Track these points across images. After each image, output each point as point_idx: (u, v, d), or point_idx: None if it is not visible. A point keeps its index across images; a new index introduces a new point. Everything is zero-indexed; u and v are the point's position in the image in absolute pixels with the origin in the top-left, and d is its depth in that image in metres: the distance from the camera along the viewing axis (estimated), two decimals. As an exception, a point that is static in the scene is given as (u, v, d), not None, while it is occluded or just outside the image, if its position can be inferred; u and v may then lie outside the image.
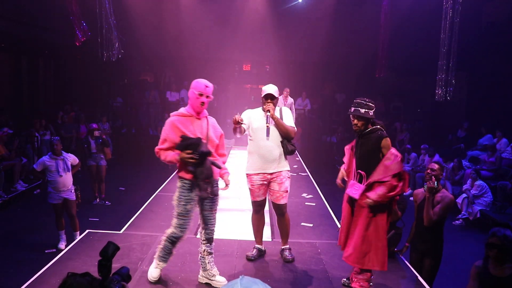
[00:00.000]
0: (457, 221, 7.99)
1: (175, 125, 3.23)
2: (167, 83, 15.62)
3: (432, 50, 9.50)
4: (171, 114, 3.38)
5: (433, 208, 3.96)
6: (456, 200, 8.18)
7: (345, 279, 3.60)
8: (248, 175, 3.97)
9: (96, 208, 7.80)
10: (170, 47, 13.39)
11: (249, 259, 4.03)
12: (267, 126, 3.75)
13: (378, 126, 3.28)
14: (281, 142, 3.83)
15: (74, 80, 13.87)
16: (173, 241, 3.35)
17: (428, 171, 4.06)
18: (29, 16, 10.51)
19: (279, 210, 3.97)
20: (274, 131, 3.81)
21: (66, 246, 5.05)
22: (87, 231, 4.67)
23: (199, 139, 3.13)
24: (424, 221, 3.99)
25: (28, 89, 12.90)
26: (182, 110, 3.35)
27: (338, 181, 3.66)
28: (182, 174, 3.26)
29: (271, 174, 3.86)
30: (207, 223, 3.43)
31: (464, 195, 8.04)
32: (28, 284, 3.41)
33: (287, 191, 3.93)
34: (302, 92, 13.23)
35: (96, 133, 7.84)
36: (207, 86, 3.26)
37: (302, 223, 5.12)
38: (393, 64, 12.55)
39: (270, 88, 3.87)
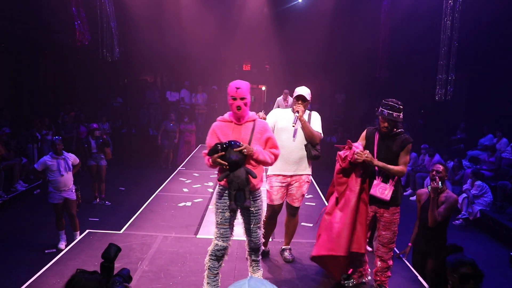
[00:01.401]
0: (457, 221, 7.99)
1: (214, 131, 3.09)
2: (167, 83, 15.62)
3: (432, 50, 9.50)
4: (217, 119, 3.19)
5: (437, 209, 3.96)
6: (456, 200, 8.19)
7: (344, 280, 3.59)
8: (268, 176, 3.88)
9: (96, 208, 7.80)
10: (170, 47, 13.39)
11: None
12: (293, 126, 3.68)
13: (402, 130, 3.37)
14: (305, 145, 3.78)
15: (74, 80, 13.85)
16: (218, 256, 3.06)
17: (434, 173, 4.04)
18: (29, 16, 10.50)
19: (292, 211, 3.95)
20: (299, 133, 3.75)
21: (66, 246, 5.05)
22: (87, 231, 4.68)
23: (228, 142, 2.87)
24: (428, 221, 3.98)
25: (28, 89, 12.89)
26: (226, 115, 3.17)
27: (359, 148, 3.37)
28: (220, 180, 3.03)
29: (290, 176, 3.79)
30: (248, 235, 3.17)
31: (464, 195, 8.05)
32: (28, 284, 3.41)
33: (303, 195, 3.91)
34: (302, 92, 13.21)
35: (97, 133, 7.84)
36: (238, 88, 2.99)
37: (302, 223, 5.11)
38: (393, 64, 12.55)
39: (303, 90, 3.80)
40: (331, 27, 12.51)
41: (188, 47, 13.26)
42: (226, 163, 2.84)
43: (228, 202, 2.99)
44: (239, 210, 3.09)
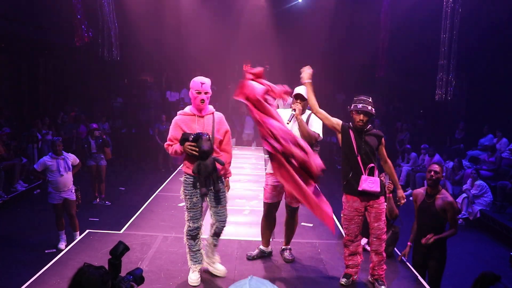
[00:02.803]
0: (457, 221, 7.99)
1: (177, 124, 3.37)
2: (167, 83, 15.62)
3: (432, 50, 9.50)
4: (178, 113, 3.48)
5: (435, 210, 3.93)
6: (456, 200, 8.19)
7: (343, 280, 3.59)
8: (266, 174, 4.02)
9: (96, 208, 7.80)
10: (170, 47, 13.38)
11: (247, 258, 4.03)
12: (287, 123, 3.67)
13: (370, 125, 3.59)
14: None
15: (74, 80, 13.85)
16: (192, 235, 3.43)
17: (432, 174, 3.98)
18: (29, 16, 10.49)
19: (291, 212, 3.98)
20: (295, 132, 3.72)
21: (66, 246, 5.05)
22: (87, 231, 4.67)
23: (198, 134, 3.22)
24: (426, 222, 3.99)
25: (28, 89, 12.89)
26: (186, 109, 3.46)
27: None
28: (185, 169, 3.39)
29: None
30: (216, 218, 3.48)
31: (464, 195, 8.05)
32: (28, 284, 3.41)
33: None
34: (302, 92, 13.20)
35: (97, 133, 7.83)
36: (203, 83, 3.35)
37: (302, 223, 5.11)
38: (393, 64, 12.54)
39: (302, 89, 3.84)
40: (331, 27, 12.51)
41: (188, 47, 13.26)
42: (197, 151, 3.18)
43: (194, 189, 3.33)
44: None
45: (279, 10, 13.53)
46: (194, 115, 3.40)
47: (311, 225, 5.16)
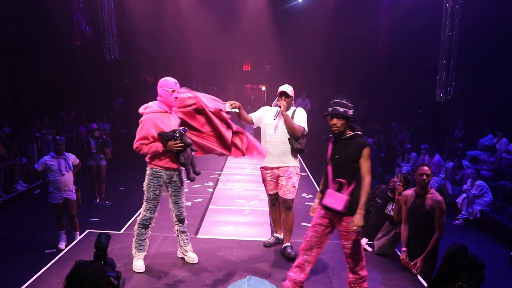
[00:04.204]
0: (457, 221, 7.99)
1: (154, 121, 3.50)
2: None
3: (432, 50, 9.50)
4: (145, 112, 3.58)
5: (426, 209, 3.91)
6: (456, 200, 8.18)
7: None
8: (260, 169, 4.23)
9: (96, 208, 7.79)
10: (170, 47, 13.39)
11: (265, 245, 4.32)
12: (274, 119, 3.93)
13: (358, 132, 3.12)
14: (288, 139, 4.00)
15: (74, 80, 13.85)
16: (146, 224, 3.70)
17: (424, 177, 3.91)
18: (29, 16, 10.50)
19: (286, 204, 4.07)
20: (281, 127, 3.99)
21: (66, 246, 5.05)
22: (87, 231, 4.68)
23: (179, 131, 3.46)
24: (413, 222, 3.97)
25: (28, 89, 12.89)
26: (154, 107, 3.59)
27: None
28: (155, 162, 3.62)
29: (277, 168, 4.04)
30: (177, 206, 3.80)
31: (464, 195, 8.04)
32: (28, 284, 3.41)
33: (294, 187, 4.04)
34: (302, 92, 13.23)
35: (97, 133, 7.83)
36: (176, 83, 3.58)
37: (302, 223, 5.11)
38: (393, 64, 12.54)
39: (285, 87, 4.07)
40: (331, 27, 12.51)
41: (188, 47, 13.27)
42: (182, 146, 3.46)
43: (160, 182, 3.63)
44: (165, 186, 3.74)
45: (279, 10, 13.53)
46: (166, 112, 3.59)
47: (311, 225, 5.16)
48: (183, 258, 3.93)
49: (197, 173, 3.66)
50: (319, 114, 14.08)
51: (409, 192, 4.11)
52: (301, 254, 3.28)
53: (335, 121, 3.07)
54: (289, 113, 4.03)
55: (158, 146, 3.50)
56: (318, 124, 13.66)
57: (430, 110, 13.45)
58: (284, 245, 4.17)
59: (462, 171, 8.97)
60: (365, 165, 3.06)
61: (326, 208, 3.15)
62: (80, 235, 4.95)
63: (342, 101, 3.11)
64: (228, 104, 3.85)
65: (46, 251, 5.81)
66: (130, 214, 5.66)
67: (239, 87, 16.57)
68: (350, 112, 3.08)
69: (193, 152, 3.67)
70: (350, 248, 3.14)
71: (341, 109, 3.04)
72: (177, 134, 3.47)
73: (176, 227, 3.87)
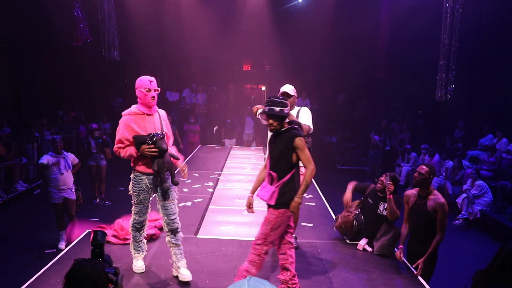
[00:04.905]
0: (457, 221, 7.99)
1: (128, 124, 3.39)
2: (167, 83, 15.62)
3: (432, 50, 9.49)
4: (123, 113, 3.48)
5: (427, 210, 3.91)
6: (456, 200, 8.19)
7: None
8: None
9: (96, 208, 7.80)
10: (170, 47, 13.38)
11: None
12: None
13: (295, 126, 3.20)
14: None
15: (74, 80, 13.85)
16: (137, 227, 3.61)
17: (416, 174, 3.96)
18: (30, 16, 10.50)
19: None
20: None
21: (66, 246, 5.05)
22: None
23: (154, 135, 3.27)
24: (414, 222, 3.97)
25: (28, 89, 12.89)
26: (133, 108, 3.47)
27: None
28: (136, 167, 3.47)
29: None
30: (166, 213, 3.49)
31: (464, 195, 8.04)
32: (28, 284, 3.41)
33: None
34: (302, 92, 13.22)
35: (96, 133, 7.84)
36: (151, 80, 3.40)
37: (302, 223, 5.12)
38: (393, 64, 12.54)
39: (286, 87, 4.03)
40: (331, 27, 12.50)
41: (188, 47, 13.26)
42: (156, 151, 3.26)
43: (142, 187, 3.44)
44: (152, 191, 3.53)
45: (279, 10, 13.51)
46: (143, 113, 3.41)
47: (311, 225, 5.16)
48: (177, 277, 3.56)
49: (175, 183, 3.48)
50: (319, 114, 14.10)
51: (412, 192, 4.14)
52: (278, 255, 3.36)
53: (271, 121, 3.14)
54: (294, 112, 3.98)
55: (132, 150, 3.35)
56: (319, 124, 13.67)
57: (430, 110, 13.45)
58: None
59: (462, 171, 8.97)
60: (302, 156, 3.12)
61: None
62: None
63: (278, 100, 3.13)
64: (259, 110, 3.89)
65: (46, 251, 5.82)
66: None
67: (239, 87, 16.56)
68: (286, 110, 3.14)
69: (174, 158, 3.50)
70: (256, 236, 3.24)
71: (277, 109, 3.09)
72: (148, 138, 3.25)
73: (168, 238, 3.54)
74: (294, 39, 13.45)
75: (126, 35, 11.36)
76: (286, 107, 3.13)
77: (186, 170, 3.71)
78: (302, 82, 13.92)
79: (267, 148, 3.35)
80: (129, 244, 4.04)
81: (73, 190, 5.98)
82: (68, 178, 5.89)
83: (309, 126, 3.97)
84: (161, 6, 12.57)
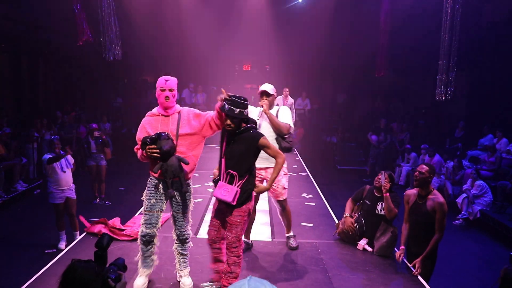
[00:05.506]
0: (457, 221, 7.99)
1: (143, 125, 3.32)
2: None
3: (432, 50, 9.50)
4: (146, 114, 3.39)
5: (427, 210, 3.91)
6: (456, 200, 8.19)
7: (205, 284, 3.48)
8: None
9: (96, 208, 7.80)
10: (170, 47, 13.39)
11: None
12: (257, 119, 3.90)
13: (252, 125, 3.13)
14: (276, 138, 3.95)
15: (74, 80, 13.86)
16: (144, 241, 3.29)
17: (416, 173, 3.97)
18: (29, 16, 10.50)
19: (281, 205, 4.19)
20: (267, 127, 3.94)
21: (66, 246, 5.05)
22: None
23: (156, 134, 3.06)
24: (414, 222, 3.96)
25: (28, 89, 12.89)
26: (154, 109, 3.36)
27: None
28: (150, 170, 3.31)
29: (265, 170, 3.96)
30: (176, 224, 3.37)
31: (464, 195, 8.04)
32: (28, 284, 3.41)
33: (285, 188, 4.09)
34: (302, 92, 13.22)
35: (96, 133, 7.83)
36: (167, 80, 3.24)
37: (302, 223, 5.12)
38: (393, 64, 12.54)
39: (265, 86, 4.06)
40: (331, 26, 12.52)
41: (188, 47, 13.27)
42: (158, 152, 3.01)
43: (155, 191, 3.23)
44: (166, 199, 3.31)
45: (279, 10, 13.52)
46: (159, 114, 3.28)
47: (311, 225, 5.16)
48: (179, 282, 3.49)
49: (169, 194, 3.18)
50: (319, 114, 14.10)
51: (412, 191, 4.15)
52: (209, 245, 3.36)
53: (229, 122, 3.02)
54: (273, 111, 4.02)
55: (141, 151, 3.20)
56: (319, 124, 13.67)
57: (430, 110, 13.46)
58: (287, 235, 4.34)
59: (462, 171, 8.97)
60: (270, 151, 3.11)
61: (218, 199, 3.18)
62: (80, 235, 4.95)
63: (239, 101, 3.00)
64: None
65: (46, 251, 5.81)
66: (130, 214, 5.65)
67: (239, 87, 16.57)
68: (246, 111, 3.05)
69: (183, 163, 3.14)
70: (230, 241, 3.15)
71: (237, 111, 2.99)
72: (148, 138, 3.04)
73: (175, 246, 3.43)
74: (294, 39, 13.46)
75: (126, 35, 11.37)
76: (246, 108, 3.04)
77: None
78: (302, 82, 13.95)
79: (221, 147, 3.24)
80: (128, 237, 4.02)
81: (74, 189, 6.00)
82: (69, 176, 5.93)
83: (289, 125, 4.00)
84: (161, 7, 12.58)
